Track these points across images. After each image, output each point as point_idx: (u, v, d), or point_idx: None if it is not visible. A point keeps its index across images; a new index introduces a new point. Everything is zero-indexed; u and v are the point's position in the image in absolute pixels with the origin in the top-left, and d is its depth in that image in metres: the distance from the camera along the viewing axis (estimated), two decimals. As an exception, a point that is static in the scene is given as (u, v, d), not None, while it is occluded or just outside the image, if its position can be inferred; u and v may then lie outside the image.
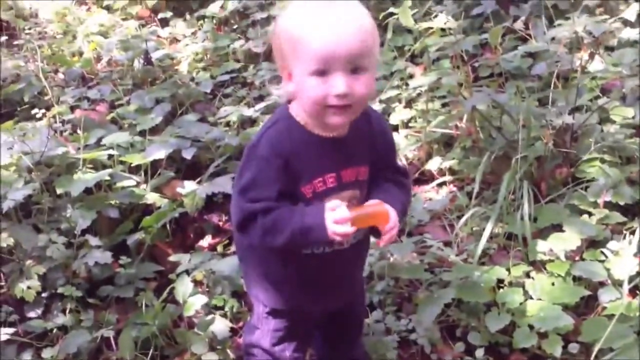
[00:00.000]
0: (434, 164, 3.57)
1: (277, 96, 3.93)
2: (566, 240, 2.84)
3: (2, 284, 3.00)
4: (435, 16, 3.88)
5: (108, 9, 5.63)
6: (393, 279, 2.90)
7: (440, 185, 3.52)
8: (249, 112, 3.86)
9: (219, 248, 3.20)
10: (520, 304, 2.65)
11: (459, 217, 3.19)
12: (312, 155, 1.92)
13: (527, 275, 2.80)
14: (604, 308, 2.64)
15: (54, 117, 3.74)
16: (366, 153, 2.01)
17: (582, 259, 2.82)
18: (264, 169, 1.91)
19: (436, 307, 2.67)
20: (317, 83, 1.81)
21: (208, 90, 4.40)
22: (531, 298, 2.68)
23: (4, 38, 5.07)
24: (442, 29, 3.69)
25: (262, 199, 1.90)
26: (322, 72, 1.80)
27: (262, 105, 3.91)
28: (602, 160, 3.21)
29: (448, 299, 2.69)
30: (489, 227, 2.95)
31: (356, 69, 1.81)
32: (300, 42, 1.80)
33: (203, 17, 5.32)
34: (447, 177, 3.51)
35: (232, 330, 2.77)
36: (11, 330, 2.75)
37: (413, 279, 2.91)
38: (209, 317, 2.79)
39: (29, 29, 5.26)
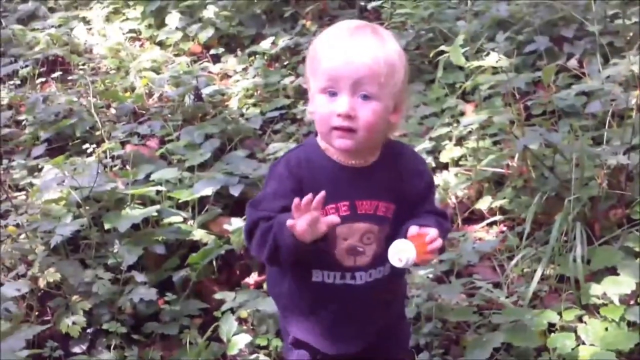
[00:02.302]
0: (484, 203, 3.51)
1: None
2: (620, 284, 2.75)
3: (48, 318, 3.01)
4: (487, 54, 3.84)
5: (161, 45, 5.70)
6: (440, 321, 2.84)
7: (490, 225, 3.46)
8: (298, 148, 3.85)
9: (265, 286, 3.17)
10: (572, 349, 2.57)
11: (510, 258, 3.13)
12: (327, 181, 1.93)
13: (580, 319, 2.72)
14: (660, 355, 2.55)
15: (104, 152, 3.77)
16: (392, 190, 1.99)
17: (637, 304, 2.73)
18: (277, 186, 1.95)
19: (485, 351, 2.61)
20: (325, 101, 1.88)
21: (257, 127, 4.41)
22: (584, 343, 2.60)
23: (58, 73, 5.14)
24: (494, 67, 3.65)
25: (267, 210, 1.93)
26: (331, 92, 1.87)
27: (311, 142, 3.89)
28: (659, 202, 3.13)
29: (497, 343, 2.62)
30: (540, 269, 2.89)
31: (365, 95, 1.86)
32: (316, 60, 1.91)
33: (254, 54, 5.35)
34: (498, 217, 3.45)
35: (275, 370, 2.74)
36: (55, 365, 2.76)
37: (461, 321, 2.85)
38: (253, 356, 2.78)
39: (83, 64, 5.34)
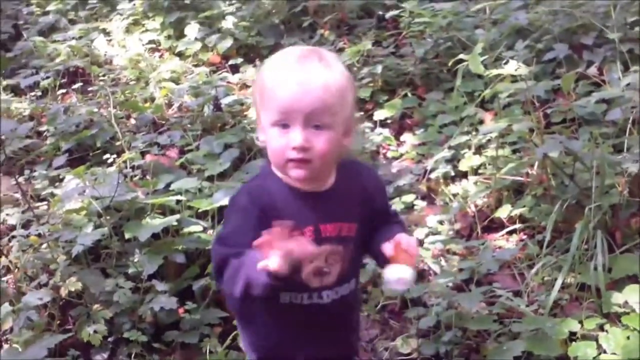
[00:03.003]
0: (503, 212, 3.50)
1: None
2: (642, 292, 2.74)
3: (70, 327, 3.03)
4: (506, 62, 3.83)
5: (180, 55, 5.73)
6: (460, 330, 2.84)
7: (510, 233, 3.45)
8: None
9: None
10: (594, 358, 2.56)
11: (530, 266, 3.12)
12: (290, 208, 1.92)
13: (601, 328, 2.71)
14: (683, 364, 2.53)
15: (124, 162, 3.80)
16: (355, 210, 2.01)
17: (660, 312, 2.71)
18: (242, 218, 1.91)
19: (505, 360, 2.60)
20: (279, 134, 1.87)
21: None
22: (605, 352, 2.59)
23: (79, 84, 5.18)
24: (513, 75, 3.64)
25: (238, 246, 1.87)
26: (283, 125, 1.86)
27: (330, 150, 3.89)
28: (680, 209, 3.11)
29: (518, 352, 2.62)
30: (560, 277, 2.88)
31: (318, 126, 1.85)
32: (267, 93, 1.89)
33: (273, 64, 5.36)
34: (518, 225, 3.44)
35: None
36: (77, 374, 2.78)
37: (481, 329, 2.84)
38: (273, 365, 2.76)
39: (103, 75, 5.37)
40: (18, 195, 3.82)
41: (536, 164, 3.51)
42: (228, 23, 5.73)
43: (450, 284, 3.03)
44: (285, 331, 2.05)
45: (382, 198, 2.12)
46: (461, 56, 3.91)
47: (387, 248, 1.92)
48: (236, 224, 1.93)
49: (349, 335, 2.19)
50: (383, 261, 1.94)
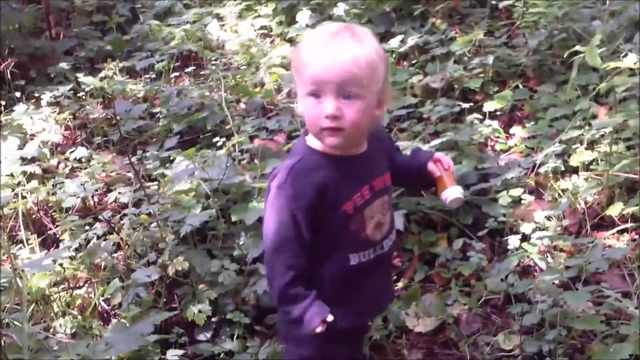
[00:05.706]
0: (615, 210, 3.39)
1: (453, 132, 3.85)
2: None
3: (175, 305, 3.10)
4: (625, 55, 3.70)
5: (291, 41, 5.76)
6: (565, 328, 2.77)
7: (621, 232, 3.35)
8: (424, 147, 3.82)
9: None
10: None
11: (641, 268, 3.02)
12: (344, 177, 2.11)
13: None
14: None
15: (233, 145, 3.86)
16: (385, 162, 2.26)
17: None
18: (294, 211, 2.07)
19: (612, 362, 2.53)
20: (313, 104, 2.04)
21: (384, 124, 4.40)
22: None
23: (191, 68, 5.29)
24: (631, 69, 3.52)
25: (292, 259, 2.09)
26: (316, 95, 2.02)
27: (437, 141, 3.86)
28: None
29: (625, 355, 2.54)
30: (674, 281, 2.77)
31: (349, 96, 2.01)
32: (301, 65, 2.06)
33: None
34: (630, 224, 3.33)
35: None
36: (181, 352, 2.85)
37: (587, 329, 2.77)
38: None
39: (215, 59, 5.46)
40: (131, 175, 3.94)
41: (652, 161, 3.40)
42: (339, 10, 5.72)
43: (557, 282, 2.96)
44: (356, 292, 2.21)
45: (391, 142, 2.38)
46: (577, 48, 3.80)
47: (433, 168, 2.27)
48: (285, 224, 2.08)
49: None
50: (428, 183, 2.30)
